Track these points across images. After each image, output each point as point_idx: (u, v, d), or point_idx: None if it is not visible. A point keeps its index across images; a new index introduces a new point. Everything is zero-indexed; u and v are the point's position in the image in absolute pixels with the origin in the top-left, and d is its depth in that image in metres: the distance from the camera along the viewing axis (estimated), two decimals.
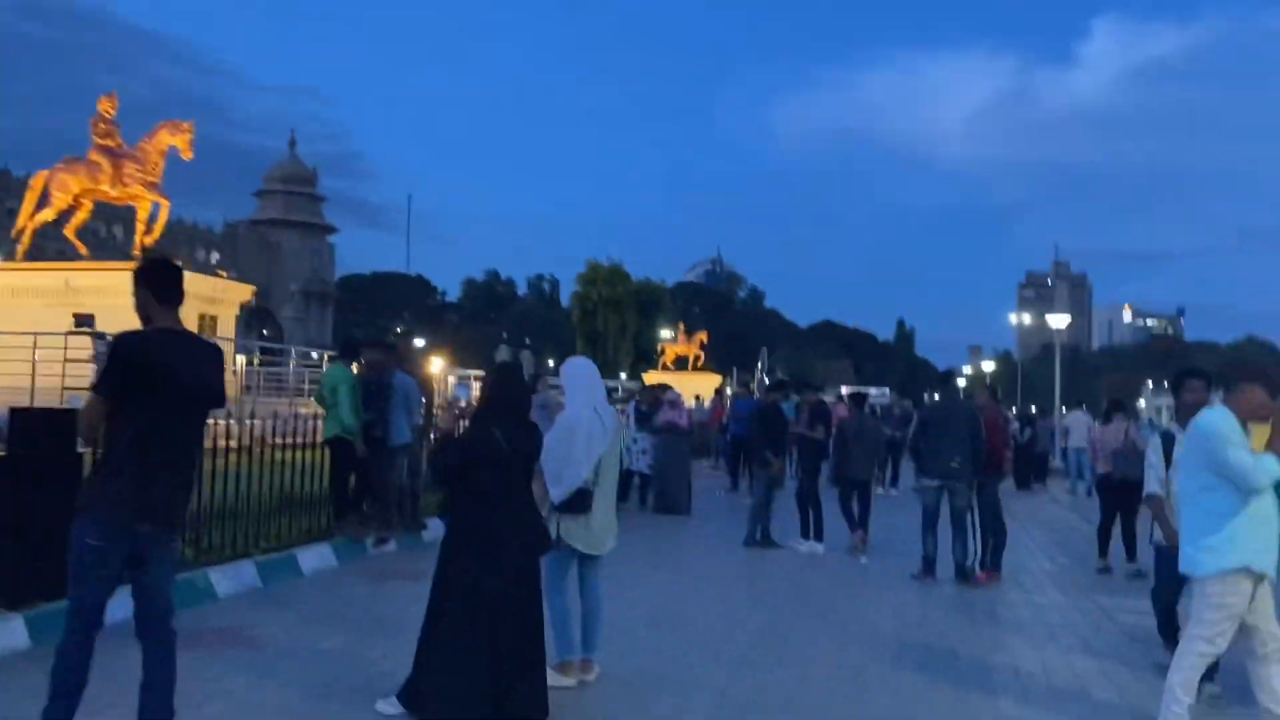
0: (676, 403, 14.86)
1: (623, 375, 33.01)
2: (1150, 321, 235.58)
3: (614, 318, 36.77)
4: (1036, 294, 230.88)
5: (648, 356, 40.45)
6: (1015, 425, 19.94)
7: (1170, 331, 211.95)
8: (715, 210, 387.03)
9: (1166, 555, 5.96)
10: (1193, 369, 6.33)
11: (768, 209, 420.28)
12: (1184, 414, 5.62)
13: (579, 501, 5.50)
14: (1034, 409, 29.15)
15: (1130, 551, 10.09)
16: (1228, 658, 5.02)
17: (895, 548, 10.88)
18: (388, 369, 9.73)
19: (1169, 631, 6.35)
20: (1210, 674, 5.15)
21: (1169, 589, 6.36)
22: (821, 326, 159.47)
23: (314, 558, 8.66)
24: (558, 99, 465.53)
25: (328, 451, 9.31)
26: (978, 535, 9.49)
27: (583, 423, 5.51)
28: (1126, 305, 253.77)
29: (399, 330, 59.61)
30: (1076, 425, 20.90)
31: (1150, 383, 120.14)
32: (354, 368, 10.04)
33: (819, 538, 11.07)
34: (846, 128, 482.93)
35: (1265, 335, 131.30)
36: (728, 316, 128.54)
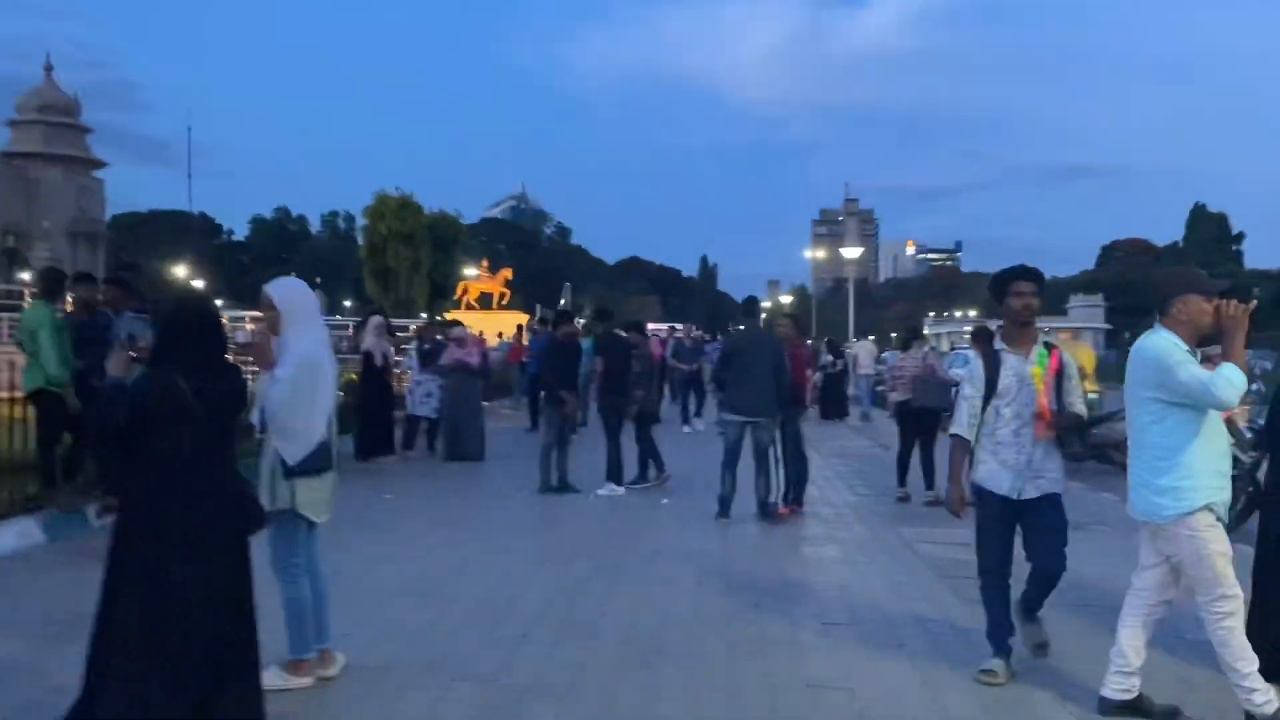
0: (464, 340, 13.66)
1: (423, 316, 31.12)
2: (931, 255, 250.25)
3: (406, 252, 34.45)
4: (829, 230, 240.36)
5: (445, 293, 38.74)
6: (827, 357, 20.07)
7: (949, 264, 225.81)
8: (518, 145, 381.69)
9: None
10: (1022, 268, 4.94)
11: (571, 145, 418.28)
12: (1012, 322, 4.90)
13: (322, 459, 4.47)
14: (827, 340, 29.66)
15: (929, 480, 9.93)
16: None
17: (697, 486, 10.33)
18: (118, 308, 8.24)
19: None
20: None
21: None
22: (628, 263, 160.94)
23: (12, 535, 7.19)
24: (347, 26, 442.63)
25: (31, 407, 7.78)
26: (781, 470, 9.03)
27: (324, 362, 4.47)
28: (910, 241, 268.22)
29: (134, 263, 54.40)
30: (863, 354, 21.43)
31: (931, 313, 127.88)
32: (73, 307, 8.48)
33: (618, 480, 10.39)
34: (646, 64, 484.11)
35: (1032, 264, 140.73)
36: (534, 253, 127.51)
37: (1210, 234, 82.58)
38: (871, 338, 23.51)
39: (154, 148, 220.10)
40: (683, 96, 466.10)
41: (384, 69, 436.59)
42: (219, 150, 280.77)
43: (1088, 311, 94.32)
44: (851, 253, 26.72)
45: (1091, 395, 15.66)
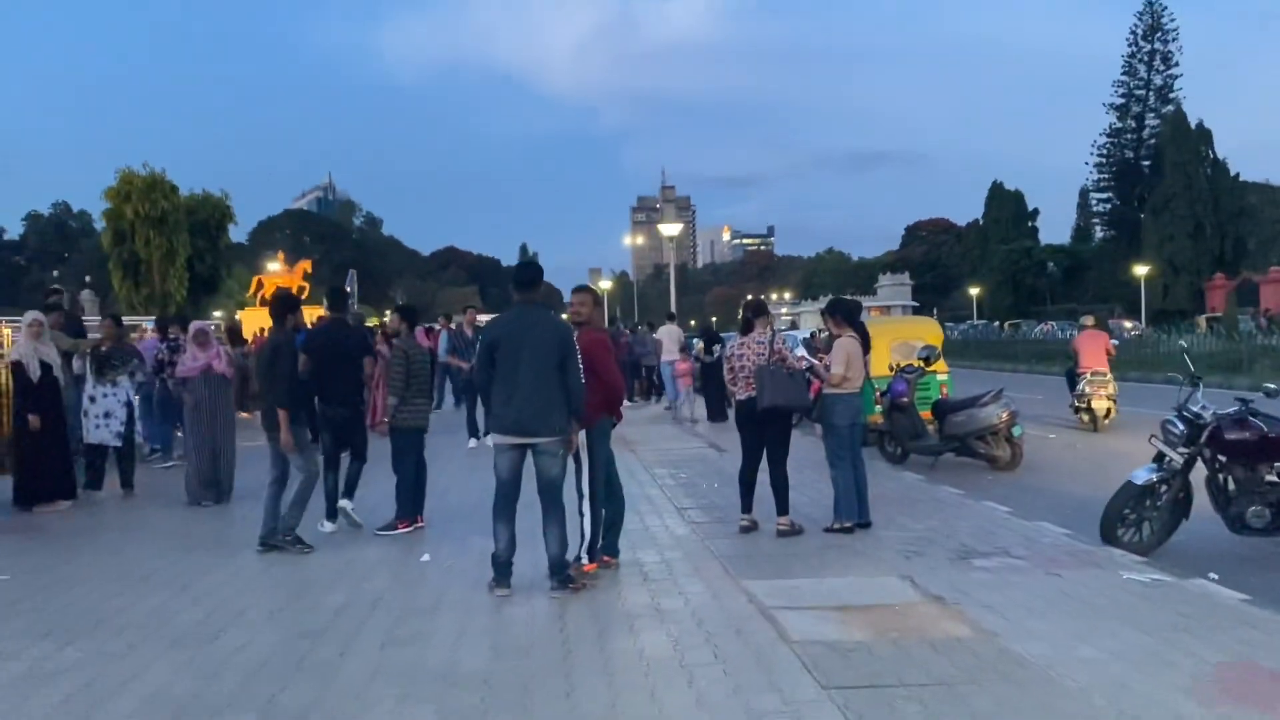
0: (206, 338, 10.20)
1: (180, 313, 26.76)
2: (746, 240, 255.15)
3: (157, 239, 29.50)
4: (647, 217, 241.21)
5: (213, 286, 34.02)
6: (696, 342, 17.54)
7: (763, 248, 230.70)
8: (325, 135, 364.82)
9: None
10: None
11: (382, 135, 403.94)
12: None
13: None
14: (645, 325, 27.42)
15: (781, 502, 7.57)
16: None
17: (477, 530, 7.60)
18: None
19: None
20: None
21: None
22: (445, 253, 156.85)
23: None
24: (133, 19, 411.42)
25: None
26: (586, 509, 6.38)
27: None
28: (725, 226, 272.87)
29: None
30: (668, 339, 19.42)
31: (750, 295, 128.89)
32: None
33: (332, 516, 7.86)
34: (457, 52, 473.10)
35: (841, 247, 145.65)
36: (343, 245, 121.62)
37: (1008, 212, 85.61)
38: (674, 320, 21.44)
39: None
40: (496, 86, 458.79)
41: (178, 54, 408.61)
42: None
43: (896, 290, 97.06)
44: (670, 229, 24.55)
45: (940, 378, 13.86)
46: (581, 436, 6.21)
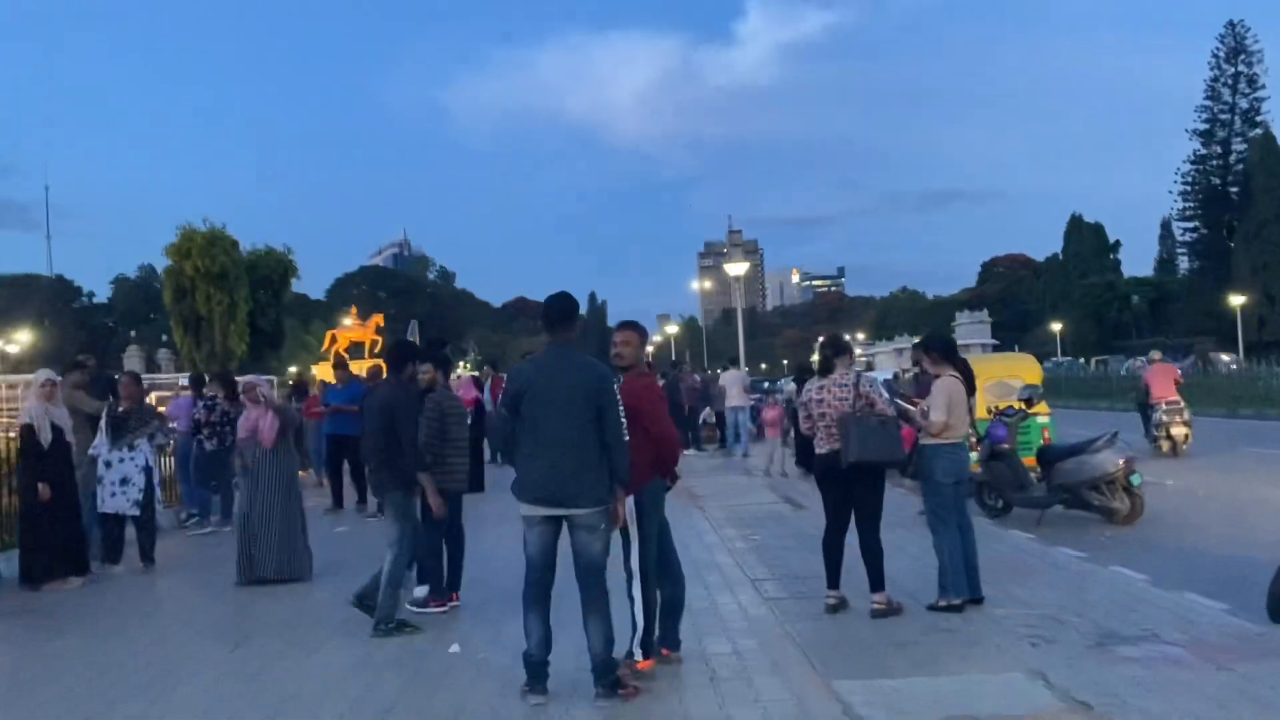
0: (253, 396, 8.91)
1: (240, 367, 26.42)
2: (816, 282, 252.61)
3: (218, 294, 29.39)
4: (714, 261, 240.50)
5: (276, 342, 33.84)
6: (785, 385, 16.20)
7: (834, 290, 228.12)
8: (398, 194, 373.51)
9: None
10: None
11: (453, 191, 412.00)
12: None
13: None
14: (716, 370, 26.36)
15: (875, 577, 6.39)
16: None
17: (494, 613, 6.57)
18: None
19: None
20: None
21: None
22: (515, 304, 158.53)
23: None
24: (214, 82, 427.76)
25: None
26: (636, 592, 5.28)
27: None
28: (794, 269, 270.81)
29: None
30: (731, 384, 18.49)
31: (821, 337, 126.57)
32: None
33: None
34: (524, 107, 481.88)
35: (914, 286, 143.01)
36: (417, 299, 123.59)
37: (1088, 245, 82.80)
38: (739, 364, 20.57)
39: (13, 211, 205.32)
40: (562, 138, 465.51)
41: (257, 119, 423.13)
42: (82, 212, 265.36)
43: (974, 328, 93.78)
44: (736, 269, 23.52)
45: (1042, 421, 12.51)
46: (629, 504, 5.14)
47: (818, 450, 6.57)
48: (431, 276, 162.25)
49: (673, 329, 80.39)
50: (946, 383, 6.53)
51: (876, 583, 6.35)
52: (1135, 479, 10.12)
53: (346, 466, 12.74)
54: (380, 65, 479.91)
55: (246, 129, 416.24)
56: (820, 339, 7.01)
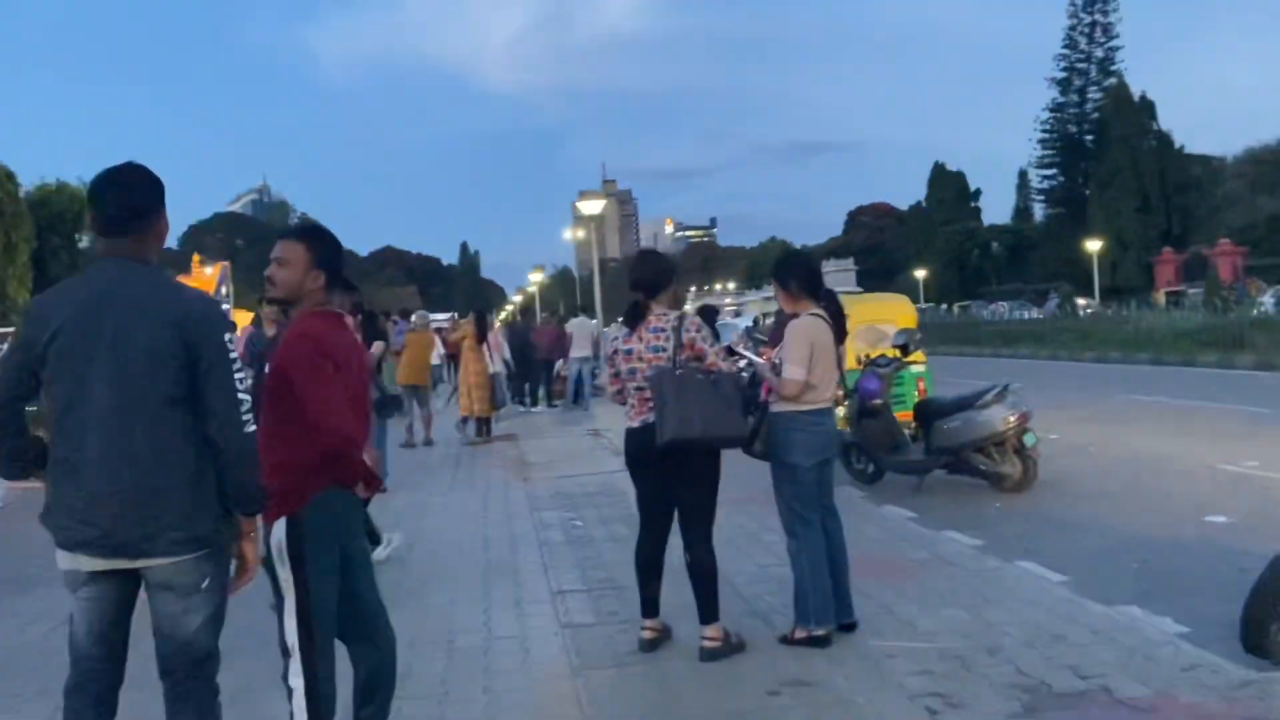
0: None
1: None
2: (689, 232, 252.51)
3: None
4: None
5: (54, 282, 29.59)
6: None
7: (706, 239, 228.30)
8: (258, 138, 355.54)
9: None
10: None
11: (318, 135, 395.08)
12: None
13: None
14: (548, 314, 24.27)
15: (708, 608, 4.48)
16: None
17: None
18: None
19: None
20: None
21: None
22: (383, 253, 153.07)
23: None
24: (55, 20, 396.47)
25: None
26: (295, 679, 3.16)
27: None
28: (668, 219, 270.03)
29: None
30: (578, 333, 16.65)
31: (693, 288, 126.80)
32: None
33: None
34: (392, 51, 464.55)
35: (784, 236, 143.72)
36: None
37: (950, 193, 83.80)
38: (588, 311, 18.65)
39: None
40: (431, 84, 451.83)
41: (103, 59, 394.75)
42: None
43: (840, 275, 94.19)
44: (591, 207, 21.41)
45: (917, 370, 10.90)
46: (278, 534, 3.04)
47: (628, 422, 4.57)
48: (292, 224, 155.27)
49: (536, 277, 77.65)
50: (807, 325, 4.60)
51: (708, 612, 4.43)
52: (1029, 439, 8.54)
53: None
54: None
55: (95, 62, 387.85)
56: (632, 262, 4.93)
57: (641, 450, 4.44)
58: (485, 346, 13.27)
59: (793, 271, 4.76)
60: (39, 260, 27.29)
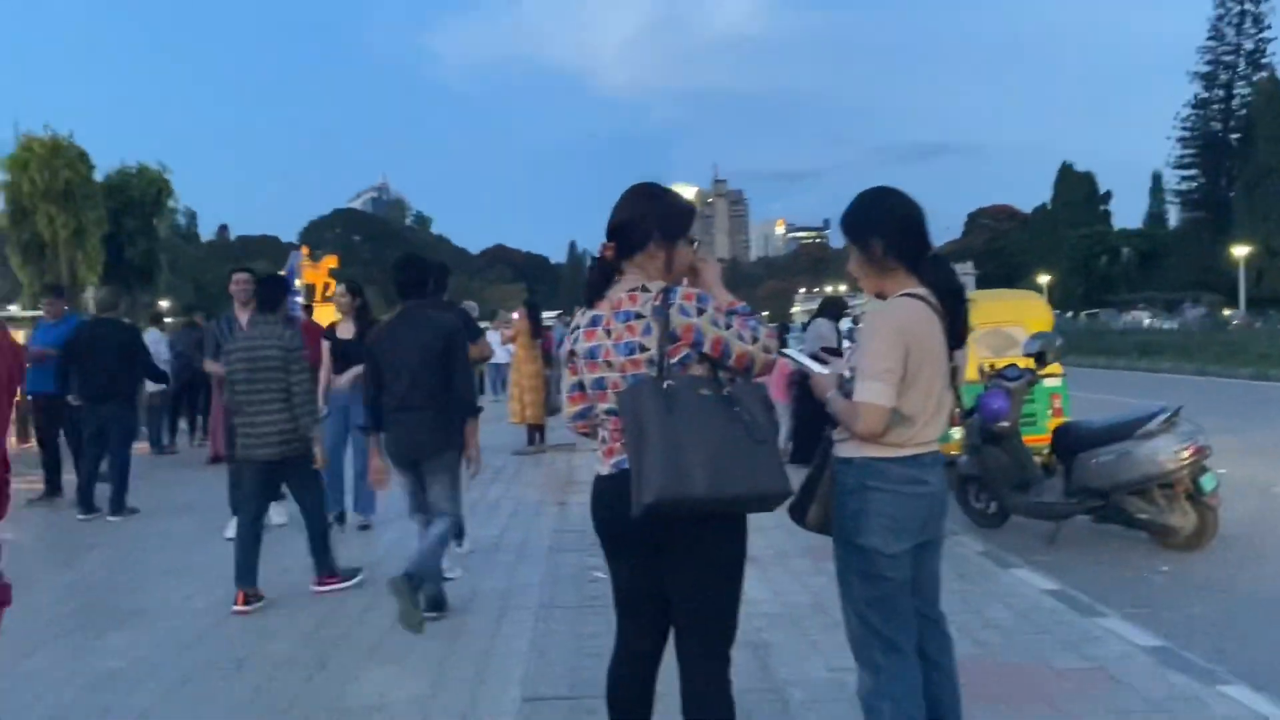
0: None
1: (90, 304, 22.18)
2: (800, 234, 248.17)
3: (60, 216, 24.63)
4: (700, 212, 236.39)
5: (150, 274, 29.24)
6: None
7: (818, 241, 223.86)
8: (380, 137, 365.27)
9: None
10: None
11: (436, 136, 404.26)
12: None
13: None
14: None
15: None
16: None
17: None
18: None
19: None
20: None
21: None
22: (493, 251, 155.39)
23: None
24: (197, 9, 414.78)
25: None
26: None
27: None
28: (779, 220, 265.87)
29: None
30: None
31: (802, 289, 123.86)
32: None
33: None
34: (509, 54, 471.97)
35: None
36: (393, 244, 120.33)
37: (1078, 195, 78.99)
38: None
39: None
40: (547, 86, 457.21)
41: (238, 57, 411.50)
42: None
43: (960, 280, 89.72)
44: (688, 190, 19.67)
45: (1052, 385, 8.82)
46: None
47: (598, 466, 2.79)
48: (408, 222, 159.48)
49: None
50: (898, 314, 2.74)
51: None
52: (1207, 482, 6.44)
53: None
54: (363, 4, 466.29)
55: (228, 68, 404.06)
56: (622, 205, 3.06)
57: (617, 513, 2.66)
58: (538, 343, 11.65)
59: (876, 219, 2.87)
60: (114, 243, 26.86)
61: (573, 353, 2.75)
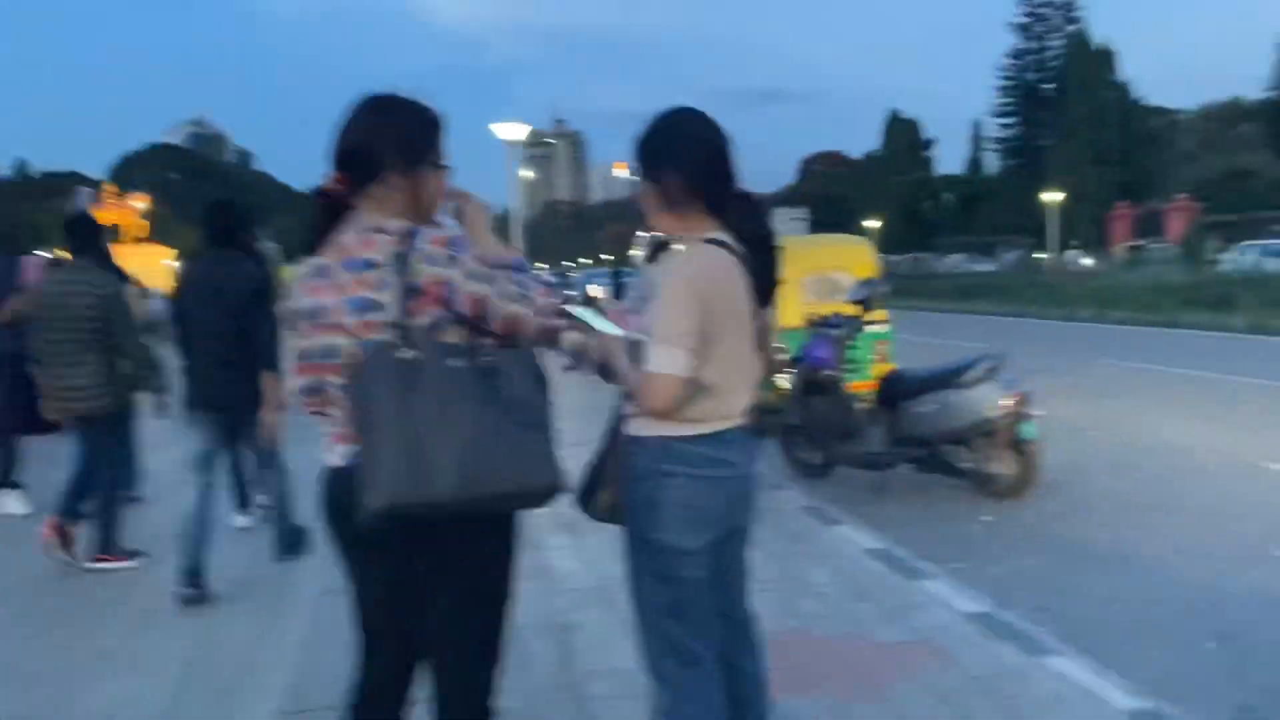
0: None
1: None
2: None
3: None
4: (539, 152, 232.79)
5: None
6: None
7: None
8: (199, 67, 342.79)
9: None
10: None
11: (259, 66, 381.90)
12: None
13: None
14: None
15: None
16: None
17: None
18: None
19: None
20: None
21: None
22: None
23: None
24: None
25: None
26: None
27: None
28: (619, 163, 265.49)
29: None
30: None
31: (641, 232, 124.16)
32: None
33: None
34: None
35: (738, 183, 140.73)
36: (210, 181, 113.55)
37: (904, 142, 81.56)
38: None
39: None
40: (381, 19, 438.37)
41: None
42: None
43: (792, 224, 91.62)
44: (510, 131, 18.84)
45: (878, 331, 8.71)
46: None
47: (327, 458, 2.23)
48: (228, 157, 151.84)
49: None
50: (697, 265, 2.25)
51: None
52: (1028, 430, 6.38)
53: None
54: None
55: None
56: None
57: (351, 516, 2.10)
58: None
59: (672, 148, 2.35)
60: None
61: (296, 313, 2.16)
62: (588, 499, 2.46)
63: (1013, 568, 5.04)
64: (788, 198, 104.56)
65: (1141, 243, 41.92)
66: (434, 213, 2.22)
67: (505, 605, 2.19)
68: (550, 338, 2.17)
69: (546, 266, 72.89)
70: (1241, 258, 24.61)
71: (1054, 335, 17.79)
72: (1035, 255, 45.71)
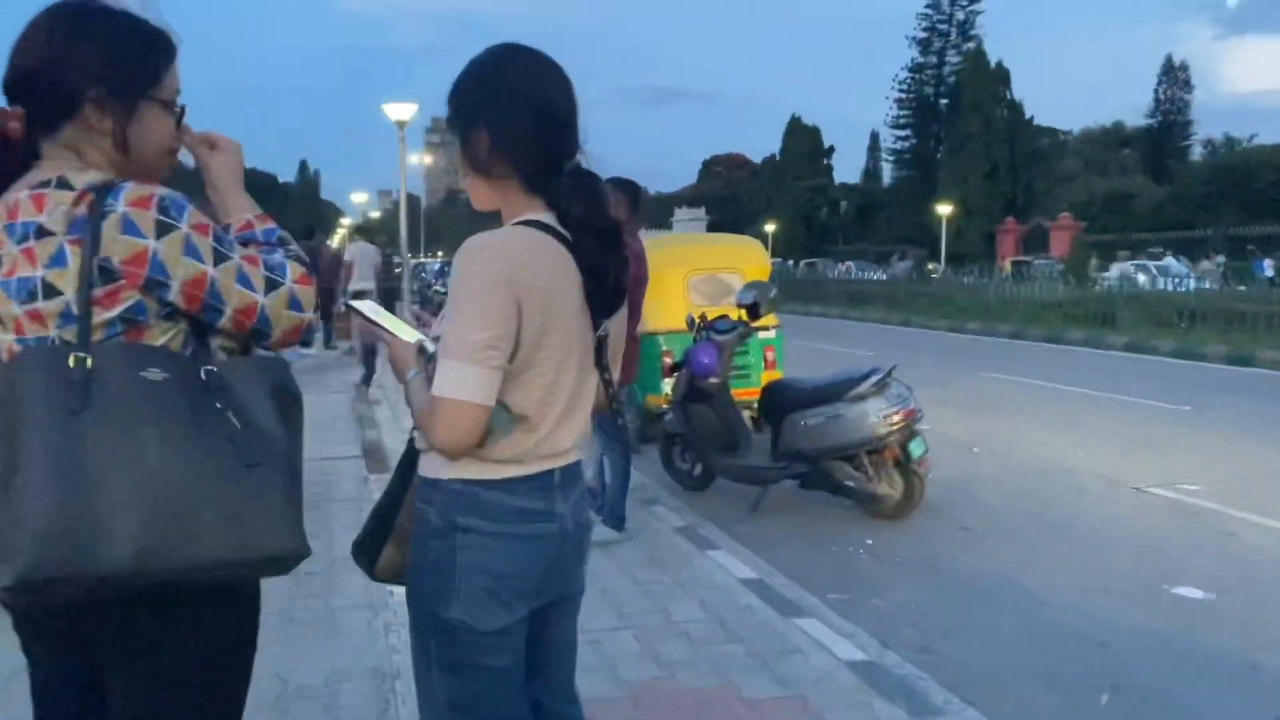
0: None
1: None
2: None
3: None
4: (442, 138, 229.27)
5: None
6: None
7: None
8: None
9: None
10: None
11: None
12: None
13: None
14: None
15: None
16: None
17: None
18: None
19: None
20: None
21: None
22: None
23: None
24: None
25: None
26: None
27: None
28: None
29: None
30: (360, 261, 13.58)
31: None
32: None
33: None
34: None
35: (641, 182, 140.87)
36: None
37: (805, 148, 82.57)
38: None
39: None
40: None
41: None
42: None
43: (692, 224, 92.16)
44: (400, 111, 17.96)
45: (766, 337, 8.34)
46: None
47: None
48: None
49: (360, 199, 72.83)
50: (506, 250, 1.72)
51: None
52: (915, 447, 6.06)
53: None
54: None
55: None
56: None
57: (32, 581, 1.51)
58: None
59: (484, 98, 1.80)
60: None
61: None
62: (371, 556, 1.90)
63: (895, 601, 4.68)
64: (689, 197, 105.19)
65: (1028, 258, 43.03)
66: (158, 168, 1.64)
67: (232, 705, 1.62)
68: (300, 339, 1.62)
69: (440, 254, 71.48)
70: (1114, 275, 25.40)
71: (940, 345, 17.85)
72: (929, 266, 46.55)
